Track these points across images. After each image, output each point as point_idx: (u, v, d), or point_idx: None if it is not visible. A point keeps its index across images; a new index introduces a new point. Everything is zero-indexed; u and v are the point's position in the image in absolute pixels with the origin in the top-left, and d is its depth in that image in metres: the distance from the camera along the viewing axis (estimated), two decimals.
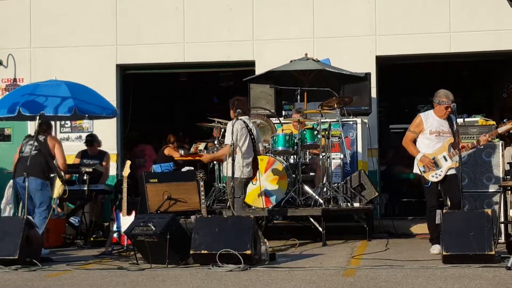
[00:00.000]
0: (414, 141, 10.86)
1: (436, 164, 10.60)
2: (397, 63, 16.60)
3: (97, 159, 14.00)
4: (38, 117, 12.01)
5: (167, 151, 16.40)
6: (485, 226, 9.59)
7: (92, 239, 12.91)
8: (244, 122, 11.31)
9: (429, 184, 10.69)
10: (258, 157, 12.27)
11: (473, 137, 11.80)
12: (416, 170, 10.82)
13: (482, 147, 11.09)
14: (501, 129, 10.78)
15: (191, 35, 16.16)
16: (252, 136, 11.36)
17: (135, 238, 9.99)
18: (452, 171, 10.56)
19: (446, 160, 10.54)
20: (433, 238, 10.71)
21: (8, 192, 12.37)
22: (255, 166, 11.53)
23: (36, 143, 11.88)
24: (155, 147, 17.63)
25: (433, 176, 10.63)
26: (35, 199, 11.80)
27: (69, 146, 15.40)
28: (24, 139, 12.16)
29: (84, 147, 14.48)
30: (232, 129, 11.10)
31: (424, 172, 10.68)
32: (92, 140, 14.28)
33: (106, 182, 14.11)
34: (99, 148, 14.37)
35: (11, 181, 12.12)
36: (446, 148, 10.55)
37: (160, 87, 20.28)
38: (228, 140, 11.18)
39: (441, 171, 10.58)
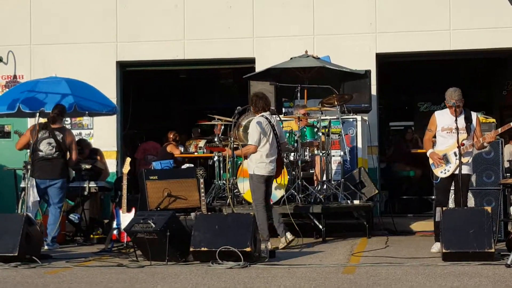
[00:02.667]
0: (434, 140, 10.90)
1: (446, 160, 10.58)
2: (397, 60, 16.61)
3: (89, 159, 14.03)
4: (38, 114, 12.01)
5: (169, 148, 16.41)
6: (485, 224, 9.59)
7: (92, 236, 12.92)
8: (267, 118, 11.22)
9: (438, 180, 10.68)
10: None
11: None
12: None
13: (487, 146, 11.01)
14: None
15: (191, 32, 16.15)
16: (275, 132, 11.27)
17: (135, 235, 9.99)
18: (464, 170, 10.47)
19: (456, 155, 10.51)
20: (437, 235, 10.65)
21: (35, 192, 12.22)
22: (279, 164, 11.41)
23: (54, 143, 11.92)
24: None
25: (441, 172, 10.61)
26: (55, 197, 12.02)
27: None
28: (40, 131, 12.06)
29: None
30: (257, 127, 11.04)
31: (434, 168, 10.69)
32: (82, 148, 14.28)
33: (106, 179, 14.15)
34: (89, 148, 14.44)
35: (33, 180, 12.00)
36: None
37: (160, 84, 20.30)
38: (252, 140, 11.07)
39: (450, 167, 10.55)
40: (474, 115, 10.71)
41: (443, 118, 10.70)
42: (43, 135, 12.02)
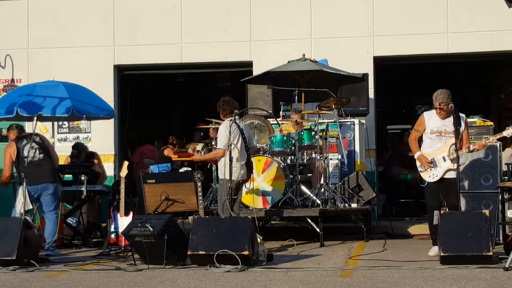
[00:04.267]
0: (420, 140, 10.84)
1: (435, 164, 10.54)
2: (395, 63, 16.60)
3: (86, 162, 14.03)
4: (35, 118, 11.99)
5: (167, 152, 16.41)
6: (483, 227, 9.59)
7: (90, 239, 12.91)
8: (235, 122, 11.26)
9: (426, 184, 10.65)
10: (256, 157, 12.30)
11: (471, 138, 11.69)
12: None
13: (476, 151, 10.97)
14: (507, 132, 10.52)
15: (189, 36, 16.16)
16: (244, 136, 11.30)
17: (133, 239, 9.99)
18: (453, 175, 10.39)
19: (444, 160, 10.47)
20: (433, 239, 10.64)
21: (23, 198, 12.10)
22: (249, 167, 11.46)
23: (36, 145, 11.88)
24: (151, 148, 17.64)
25: (429, 176, 10.57)
26: (50, 203, 11.89)
27: (67, 146, 15.42)
28: (19, 141, 12.03)
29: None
30: (225, 131, 11.09)
31: (422, 171, 10.65)
32: (79, 152, 14.29)
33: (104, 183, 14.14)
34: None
35: (22, 187, 11.89)
36: (447, 148, 10.42)
37: (158, 88, 20.29)
38: (221, 143, 11.14)
39: (438, 172, 10.52)
40: (463, 117, 10.65)
41: (432, 120, 10.60)
42: (21, 143, 11.96)
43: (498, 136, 10.63)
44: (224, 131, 11.09)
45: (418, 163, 10.67)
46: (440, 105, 10.42)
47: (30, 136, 12.00)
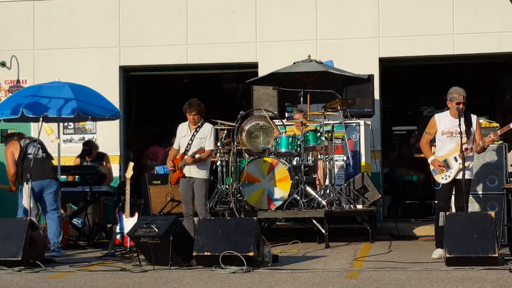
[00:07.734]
0: (431, 142, 10.83)
1: (447, 166, 10.51)
2: (400, 65, 16.58)
3: (96, 162, 14.03)
4: (41, 119, 12.01)
5: None
6: (489, 228, 9.58)
7: (95, 240, 12.93)
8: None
9: (440, 186, 10.62)
10: (262, 158, 12.35)
11: None
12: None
13: (487, 146, 10.89)
14: None
15: (194, 37, 16.15)
16: None
17: (138, 240, 9.99)
18: (466, 175, 10.35)
19: (456, 160, 10.44)
20: (437, 241, 10.63)
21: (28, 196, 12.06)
22: None
23: (38, 144, 11.93)
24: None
25: (442, 178, 10.54)
26: (52, 201, 11.89)
27: (72, 147, 15.44)
28: (22, 139, 12.05)
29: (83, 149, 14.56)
30: (215, 133, 11.50)
31: (435, 174, 10.62)
32: (90, 149, 14.31)
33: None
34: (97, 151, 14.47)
35: (28, 184, 11.87)
36: (458, 148, 10.33)
37: (163, 89, 20.29)
38: (215, 145, 11.55)
39: (451, 172, 10.48)
40: (474, 118, 10.63)
41: (443, 122, 10.60)
42: (24, 142, 11.99)
43: (506, 129, 10.57)
44: (215, 134, 11.48)
45: (431, 167, 10.64)
46: (464, 99, 10.40)
47: (31, 138, 12.15)
